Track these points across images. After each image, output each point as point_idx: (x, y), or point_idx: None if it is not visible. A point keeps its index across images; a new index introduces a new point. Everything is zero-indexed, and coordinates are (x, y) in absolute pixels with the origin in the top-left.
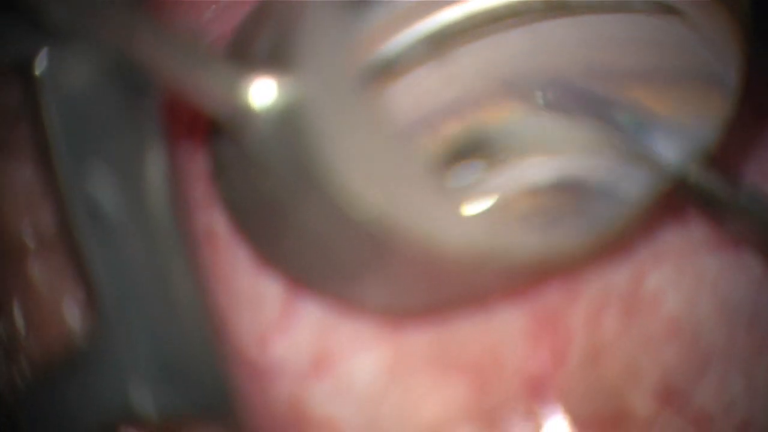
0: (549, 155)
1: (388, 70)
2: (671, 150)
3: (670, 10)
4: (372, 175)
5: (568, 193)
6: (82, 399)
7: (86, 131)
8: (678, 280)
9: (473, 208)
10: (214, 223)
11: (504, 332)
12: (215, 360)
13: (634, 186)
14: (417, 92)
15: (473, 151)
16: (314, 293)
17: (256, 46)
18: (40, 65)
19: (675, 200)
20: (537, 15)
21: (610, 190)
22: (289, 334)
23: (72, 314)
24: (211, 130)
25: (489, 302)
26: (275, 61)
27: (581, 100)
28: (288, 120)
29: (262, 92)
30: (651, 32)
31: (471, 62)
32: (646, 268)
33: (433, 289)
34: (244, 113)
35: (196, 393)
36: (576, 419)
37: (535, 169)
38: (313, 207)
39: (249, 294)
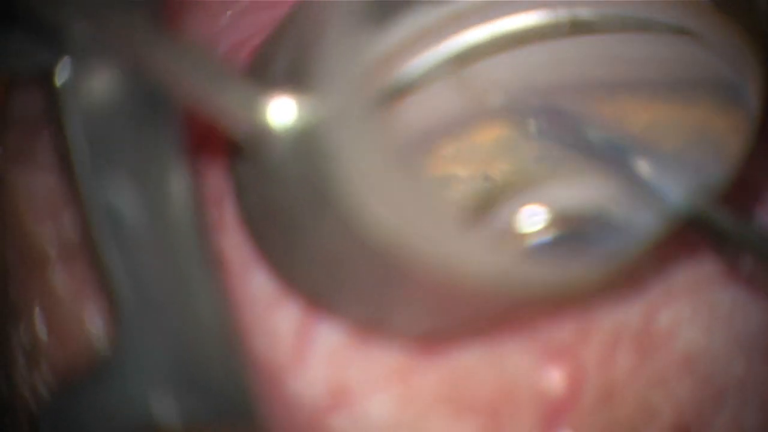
0: (553, 183)
1: (408, 91)
2: (682, 184)
3: (691, 32)
4: (387, 198)
5: (578, 223)
6: (104, 408)
7: (108, 141)
8: (691, 315)
9: (488, 234)
10: (227, 249)
11: (516, 372)
12: (236, 368)
13: (643, 221)
14: (426, 107)
15: (484, 175)
16: (331, 315)
17: (276, 64)
18: (61, 74)
19: (686, 235)
20: (561, 36)
21: (619, 224)
22: (303, 368)
23: (94, 323)
24: (230, 149)
25: (501, 333)
26: (294, 80)
27: (586, 134)
28: (306, 140)
29: (281, 112)
30: (670, 53)
31: (484, 77)
32: (658, 304)
33: (446, 314)
34: (262, 133)
35: (218, 401)
36: None
37: (544, 197)
38: (330, 228)
39: (263, 326)
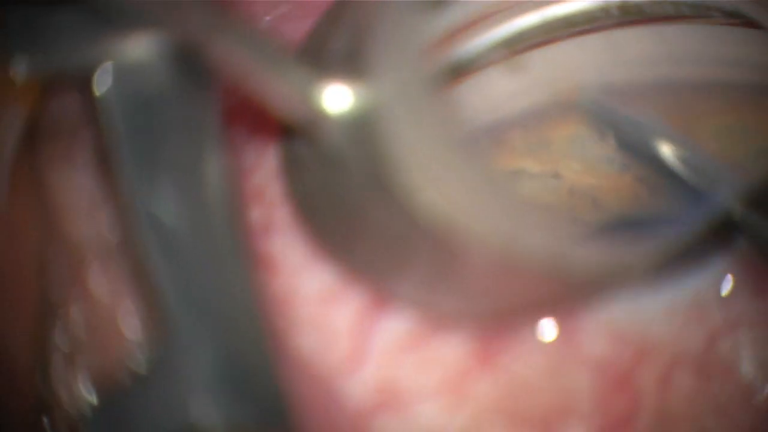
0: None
1: (462, 73)
2: (731, 186)
3: (745, 16)
4: (441, 181)
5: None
6: (147, 413)
7: (147, 143)
8: (751, 346)
9: (540, 216)
10: (279, 248)
11: (574, 388)
12: (276, 375)
13: (688, 219)
14: (488, 96)
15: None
16: (391, 299)
17: (332, 47)
18: (101, 80)
19: (746, 264)
20: (612, 21)
21: (670, 218)
22: (357, 367)
23: (131, 326)
24: (283, 131)
25: (562, 348)
26: (350, 63)
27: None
28: (361, 124)
29: (336, 97)
30: (730, 46)
31: (544, 69)
32: (719, 332)
33: (501, 297)
34: (319, 118)
35: (258, 407)
36: None
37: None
38: (386, 210)
39: (316, 323)
